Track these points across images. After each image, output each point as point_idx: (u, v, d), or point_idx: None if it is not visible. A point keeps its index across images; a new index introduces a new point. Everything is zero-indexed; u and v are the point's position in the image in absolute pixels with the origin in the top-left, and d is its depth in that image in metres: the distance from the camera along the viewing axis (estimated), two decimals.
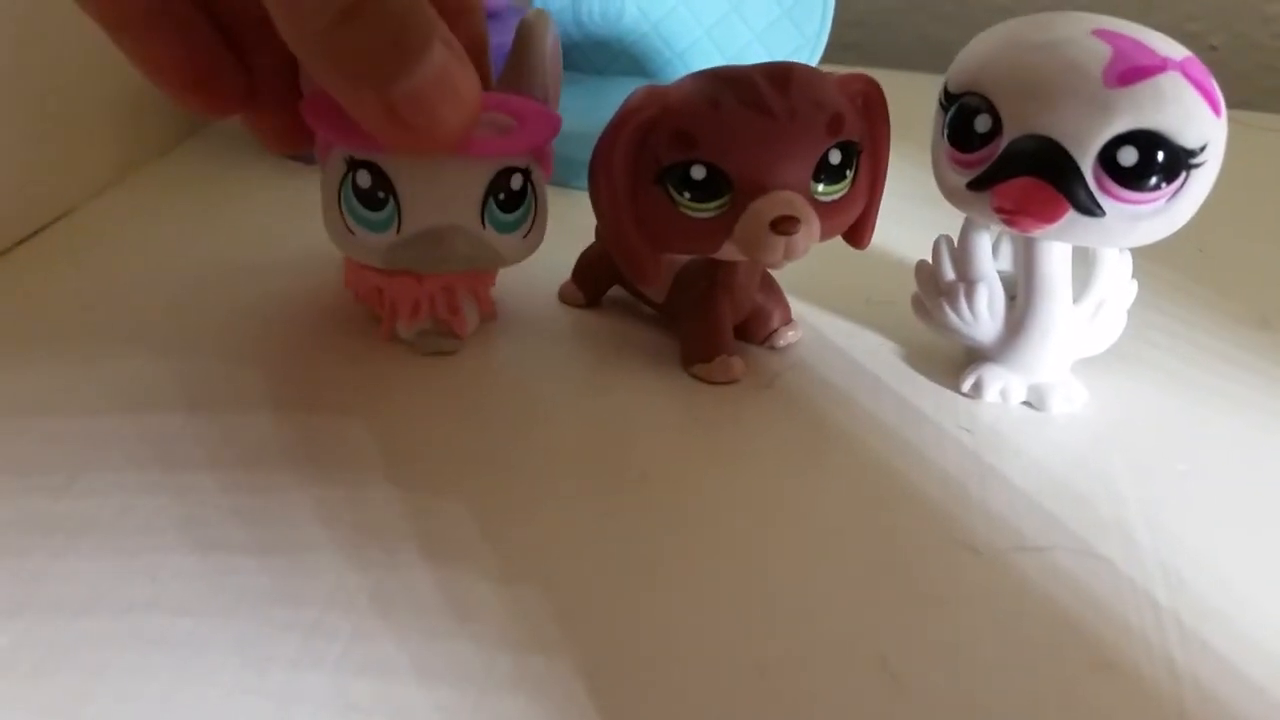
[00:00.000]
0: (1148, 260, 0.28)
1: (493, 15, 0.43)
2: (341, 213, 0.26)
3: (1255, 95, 0.67)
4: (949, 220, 0.28)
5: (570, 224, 0.32)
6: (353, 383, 0.29)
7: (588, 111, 0.39)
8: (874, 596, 0.22)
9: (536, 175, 0.27)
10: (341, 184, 0.26)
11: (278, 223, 0.38)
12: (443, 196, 0.26)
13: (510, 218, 0.27)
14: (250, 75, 0.25)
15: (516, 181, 0.26)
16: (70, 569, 0.22)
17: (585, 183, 0.28)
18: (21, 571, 0.22)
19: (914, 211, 0.33)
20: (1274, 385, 0.31)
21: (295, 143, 0.27)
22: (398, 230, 0.26)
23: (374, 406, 0.28)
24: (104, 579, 0.21)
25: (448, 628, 0.21)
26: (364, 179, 0.25)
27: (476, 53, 0.25)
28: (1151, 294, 0.33)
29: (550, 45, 0.28)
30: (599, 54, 0.47)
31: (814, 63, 0.45)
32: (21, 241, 0.36)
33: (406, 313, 0.29)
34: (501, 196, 0.26)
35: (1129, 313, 0.29)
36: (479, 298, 0.31)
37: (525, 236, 0.28)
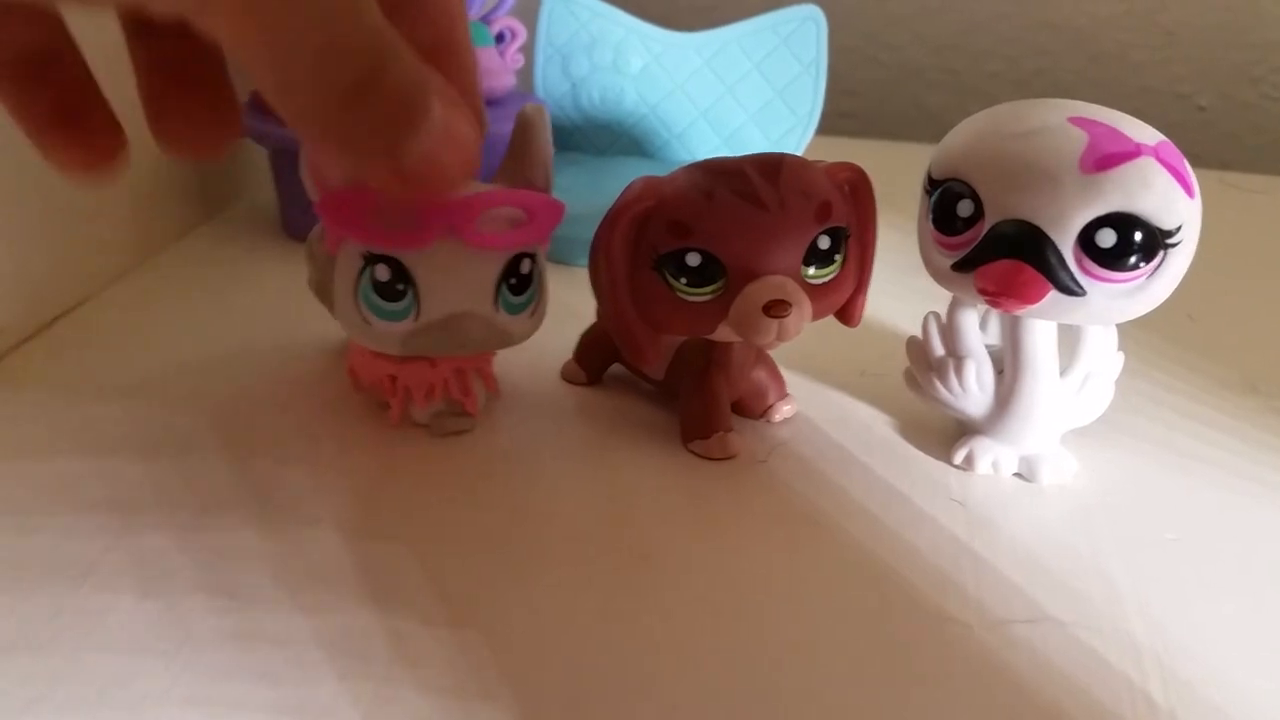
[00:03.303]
0: (1138, 328, 0.29)
1: (496, 103, 0.45)
2: (358, 305, 0.27)
3: (1244, 155, 0.68)
4: (941, 292, 0.29)
5: (572, 303, 0.33)
6: (361, 465, 0.30)
7: (589, 191, 0.40)
8: (866, 673, 0.23)
9: (540, 257, 0.29)
10: (359, 278, 0.27)
11: (289, 305, 0.39)
12: (460, 286, 0.27)
13: (520, 299, 0.28)
14: (119, 132, 0.24)
15: (525, 266, 0.28)
16: (85, 662, 0.22)
17: (587, 261, 0.29)
18: (42, 665, 0.22)
19: (907, 283, 0.34)
20: (1260, 451, 0.31)
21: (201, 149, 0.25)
22: (415, 319, 0.27)
23: (382, 483, 0.29)
24: (118, 673, 0.22)
25: (442, 702, 0.21)
26: (382, 273, 0.26)
27: (467, 91, 0.25)
28: (1141, 362, 0.34)
29: (549, 136, 0.29)
30: (600, 136, 0.49)
31: (807, 140, 0.47)
32: (42, 329, 0.37)
33: (421, 397, 0.31)
34: (513, 281, 0.27)
35: (1120, 382, 0.30)
36: (484, 376, 0.32)
37: (531, 315, 0.29)
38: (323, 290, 0.32)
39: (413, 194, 0.24)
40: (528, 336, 0.29)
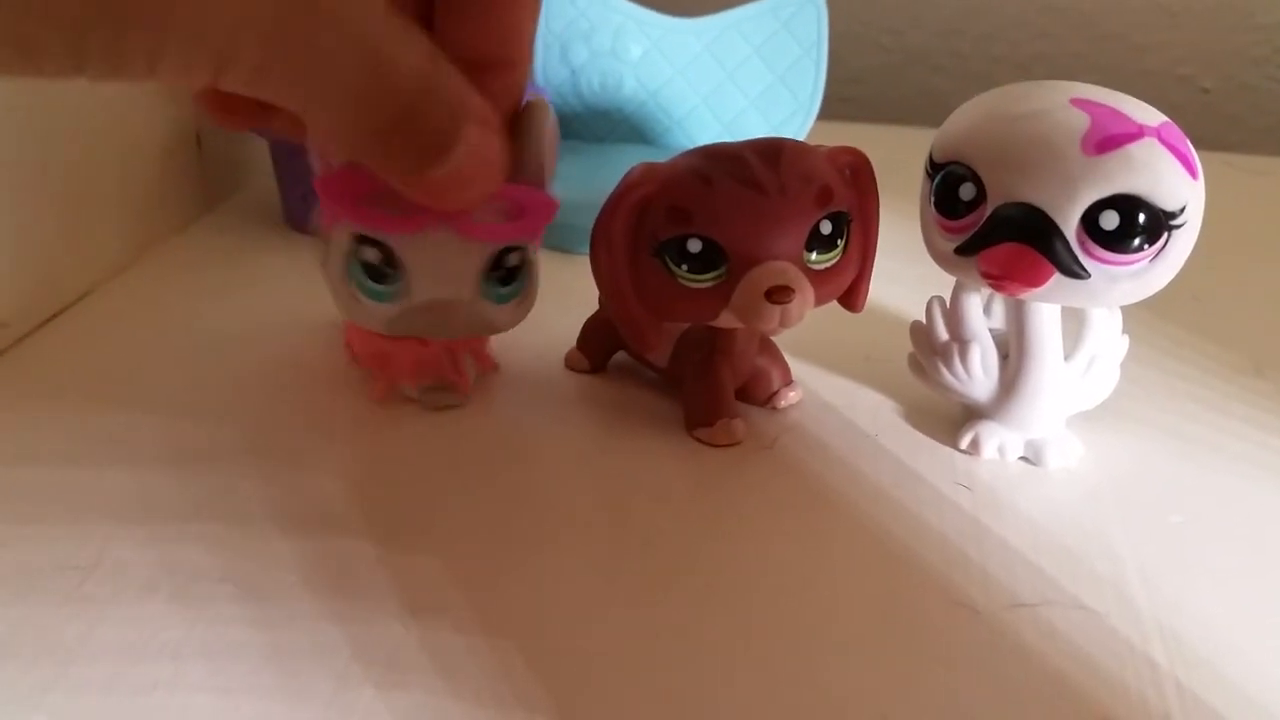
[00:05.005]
0: (1143, 310, 0.28)
1: None
2: (347, 283, 0.27)
3: (1248, 137, 0.68)
4: (947, 276, 0.29)
5: (574, 291, 0.33)
6: (364, 448, 0.30)
7: (590, 179, 0.40)
8: (875, 657, 0.23)
9: (531, 250, 0.29)
10: (349, 257, 0.27)
11: (289, 295, 0.39)
12: (446, 273, 0.27)
13: (506, 291, 0.28)
14: None
15: (514, 259, 0.28)
16: (96, 649, 0.22)
17: (588, 249, 0.29)
18: (53, 650, 0.22)
19: (911, 268, 0.33)
20: (1267, 435, 0.31)
21: (243, 121, 0.27)
22: (400, 302, 0.27)
23: (385, 471, 0.29)
24: (128, 658, 0.22)
25: (447, 689, 0.21)
26: (371, 255, 0.27)
27: (508, 109, 0.26)
28: (1147, 345, 0.34)
29: (550, 130, 0.29)
30: (600, 123, 0.48)
31: (809, 124, 0.47)
32: (45, 322, 0.37)
33: (413, 372, 0.31)
34: (499, 273, 0.28)
35: (1124, 365, 0.30)
36: (477, 355, 0.33)
37: (518, 305, 0.29)
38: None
39: (436, 206, 0.24)
40: (514, 325, 0.29)
